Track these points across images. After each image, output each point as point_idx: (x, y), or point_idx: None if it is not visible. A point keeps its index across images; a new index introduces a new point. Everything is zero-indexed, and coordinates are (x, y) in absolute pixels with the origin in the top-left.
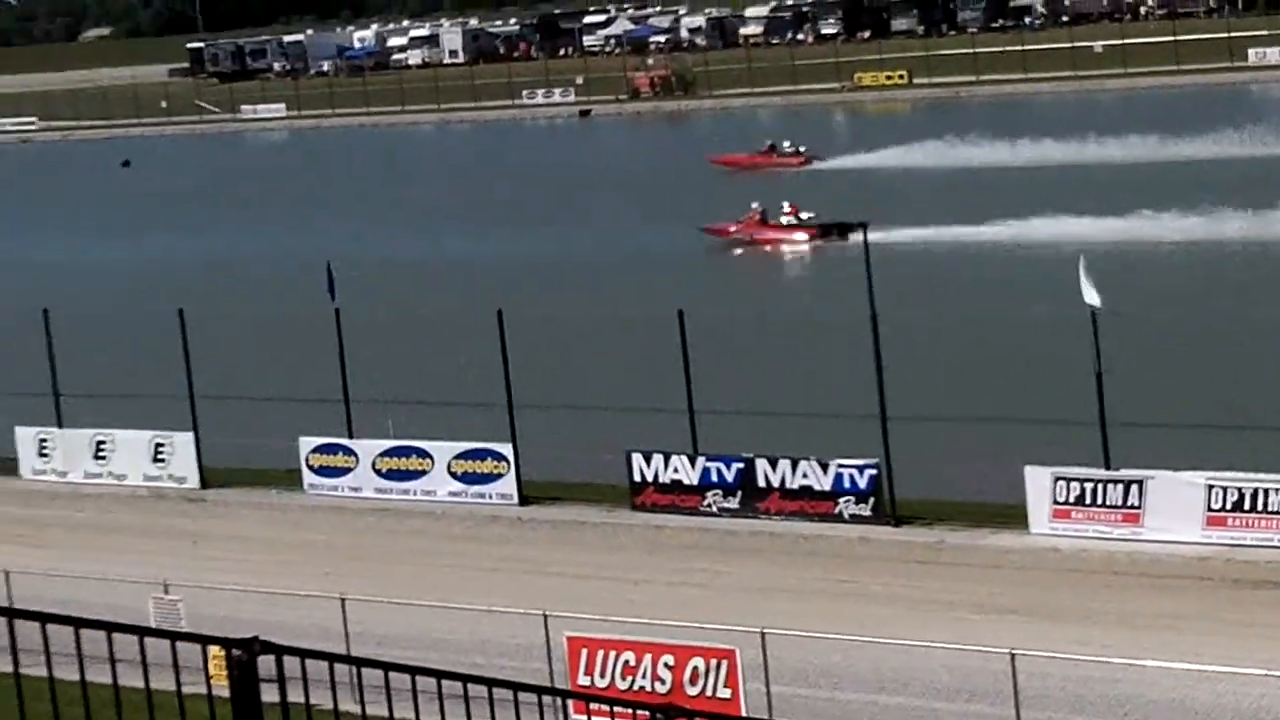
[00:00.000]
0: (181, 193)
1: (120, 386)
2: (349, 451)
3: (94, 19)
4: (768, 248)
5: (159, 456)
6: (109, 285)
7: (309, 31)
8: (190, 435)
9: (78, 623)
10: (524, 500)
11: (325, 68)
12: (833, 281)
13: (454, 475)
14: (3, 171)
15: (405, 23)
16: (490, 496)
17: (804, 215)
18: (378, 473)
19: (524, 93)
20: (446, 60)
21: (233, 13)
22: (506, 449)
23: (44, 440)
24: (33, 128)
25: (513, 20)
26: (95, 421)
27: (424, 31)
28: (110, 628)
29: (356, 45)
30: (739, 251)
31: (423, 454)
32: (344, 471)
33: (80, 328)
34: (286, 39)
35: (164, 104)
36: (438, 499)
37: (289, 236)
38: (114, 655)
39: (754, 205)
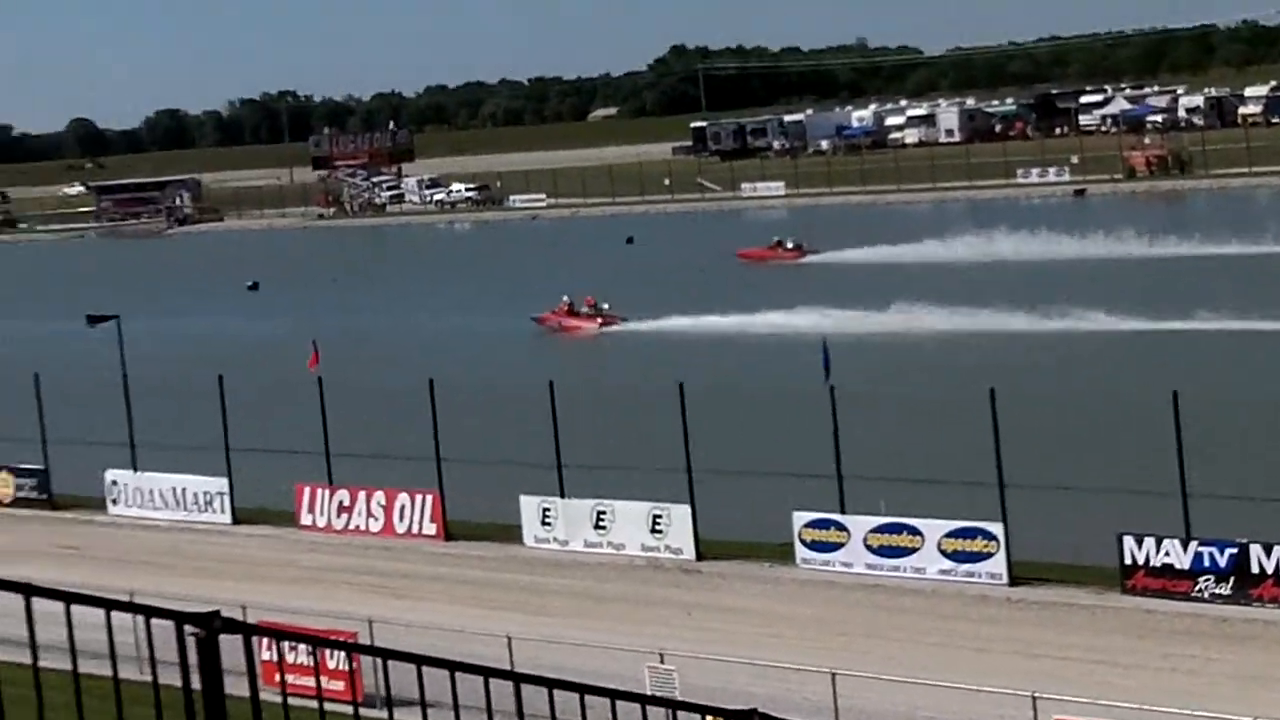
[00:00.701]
0: (684, 268)
1: (619, 458)
2: (841, 527)
3: (602, 99)
4: (562, 334)
5: (656, 527)
6: (613, 359)
7: (809, 111)
8: (687, 508)
9: (582, 689)
10: (1013, 580)
11: (823, 146)
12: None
13: (944, 553)
14: (511, 247)
15: (903, 102)
16: (980, 575)
17: (603, 305)
18: (869, 549)
19: (1019, 172)
20: (942, 139)
21: (735, 93)
22: (997, 528)
23: (547, 509)
24: (542, 204)
25: (1009, 99)
26: (595, 492)
27: (921, 111)
28: (613, 695)
29: (855, 124)
30: (558, 334)
31: (913, 531)
32: (836, 547)
33: (582, 400)
34: (787, 118)
35: (667, 181)
36: (927, 576)
37: (785, 312)
38: None
39: (564, 298)
